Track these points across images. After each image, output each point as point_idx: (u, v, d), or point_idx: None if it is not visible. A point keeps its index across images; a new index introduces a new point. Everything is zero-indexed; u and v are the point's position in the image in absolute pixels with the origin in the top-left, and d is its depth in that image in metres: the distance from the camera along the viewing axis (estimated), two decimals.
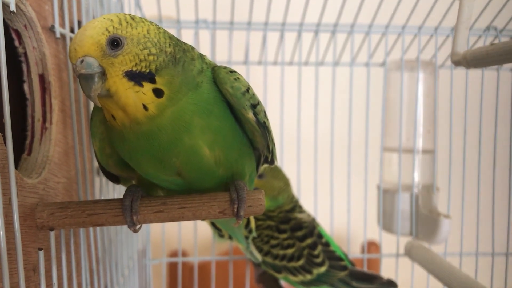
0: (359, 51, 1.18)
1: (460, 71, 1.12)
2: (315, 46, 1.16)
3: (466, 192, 1.10)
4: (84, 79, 0.50)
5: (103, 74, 0.50)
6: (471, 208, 1.11)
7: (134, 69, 0.50)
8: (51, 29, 0.65)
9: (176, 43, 0.54)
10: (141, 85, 0.51)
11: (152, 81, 0.51)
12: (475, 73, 1.11)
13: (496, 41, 1.08)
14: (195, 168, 0.57)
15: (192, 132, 0.54)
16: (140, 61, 0.50)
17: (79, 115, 0.72)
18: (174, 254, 1.53)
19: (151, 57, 0.51)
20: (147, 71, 0.51)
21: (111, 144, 0.59)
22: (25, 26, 0.60)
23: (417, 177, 1.13)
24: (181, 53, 0.53)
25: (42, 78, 0.64)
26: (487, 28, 1.07)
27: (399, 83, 1.13)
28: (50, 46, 0.65)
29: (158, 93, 0.51)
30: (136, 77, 0.50)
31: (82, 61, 0.49)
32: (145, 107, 0.51)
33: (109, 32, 0.49)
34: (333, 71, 1.17)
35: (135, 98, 0.51)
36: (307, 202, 1.14)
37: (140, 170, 0.59)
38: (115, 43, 0.50)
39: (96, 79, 0.49)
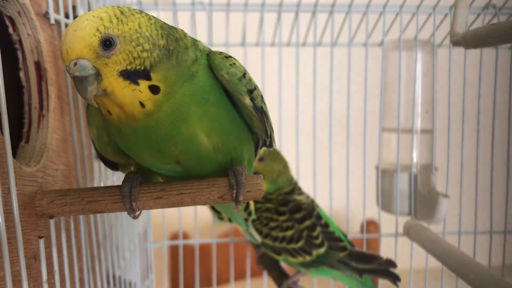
0: (357, 31, 1.17)
1: (459, 50, 1.11)
2: (313, 26, 1.14)
3: (465, 172, 1.10)
4: (79, 81, 0.49)
5: (98, 75, 0.49)
6: (470, 187, 1.11)
7: (128, 67, 0.50)
8: (45, 16, 0.65)
9: (168, 32, 0.53)
10: (137, 83, 0.50)
11: (148, 78, 0.51)
12: (473, 52, 1.09)
13: (495, 20, 1.07)
14: (194, 156, 0.57)
15: (189, 122, 0.54)
16: (134, 59, 0.50)
17: (76, 101, 0.72)
18: (175, 236, 1.54)
19: (144, 54, 0.50)
20: (142, 68, 0.50)
21: (108, 132, 0.59)
22: (18, 12, 0.60)
23: (415, 157, 1.13)
24: (174, 44, 0.53)
25: (38, 65, 0.63)
26: (486, 6, 1.06)
27: (397, 63, 1.12)
28: (45, 33, 0.64)
29: (154, 89, 0.51)
30: (131, 75, 0.50)
31: (75, 63, 0.48)
32: (142, 104, 0.51)
33: (100, 32, 0.48)
34: (331, 52, 1.16)
35: (132, 96, 0.50)
36: (306, 184, 1.15)
37: (138, 160, 0.59)
38: (107, 43, 0.49)
39: (91, 81, 0.49)
